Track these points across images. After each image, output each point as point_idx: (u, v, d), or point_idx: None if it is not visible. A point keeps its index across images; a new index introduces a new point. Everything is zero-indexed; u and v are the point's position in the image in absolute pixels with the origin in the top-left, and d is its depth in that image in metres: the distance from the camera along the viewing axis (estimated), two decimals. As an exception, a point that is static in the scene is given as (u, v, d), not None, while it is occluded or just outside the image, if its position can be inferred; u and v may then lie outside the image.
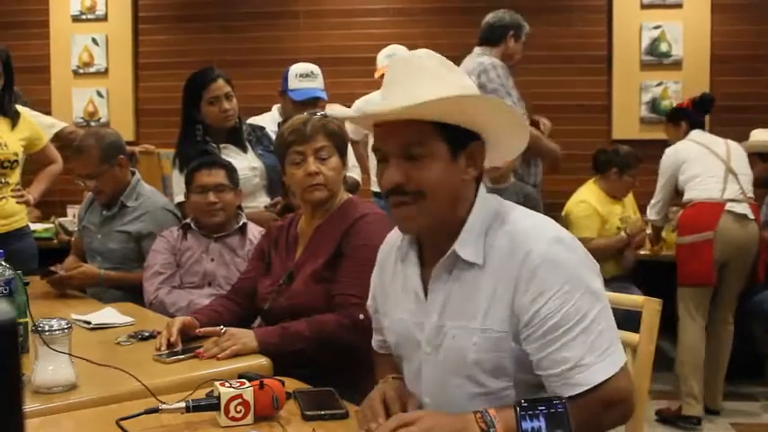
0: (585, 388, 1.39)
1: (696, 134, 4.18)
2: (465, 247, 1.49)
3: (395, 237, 1.69)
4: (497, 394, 1.47)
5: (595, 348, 1.40)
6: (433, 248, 1.55)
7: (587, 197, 4.37)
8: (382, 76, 4.17)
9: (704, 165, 4.04)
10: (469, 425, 1.36)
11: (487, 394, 1.48)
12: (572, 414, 1.37)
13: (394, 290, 1.65)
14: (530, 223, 1.50)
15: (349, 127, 4.01)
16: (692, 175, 4.05)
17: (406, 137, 1.46)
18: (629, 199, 4.54)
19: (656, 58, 5.38)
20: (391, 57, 4.21)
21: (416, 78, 1.48)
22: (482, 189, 1.55)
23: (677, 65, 5.37)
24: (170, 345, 2.06)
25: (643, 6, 5.39)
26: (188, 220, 2.97)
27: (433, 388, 1.55)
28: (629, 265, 4.35)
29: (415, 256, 1.60)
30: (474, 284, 1.48)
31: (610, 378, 1.41)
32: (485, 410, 1.37)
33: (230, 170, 2.94)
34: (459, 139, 1.48)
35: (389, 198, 1.50)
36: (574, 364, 1.39)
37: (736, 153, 4.10)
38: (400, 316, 1.62)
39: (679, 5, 5.35)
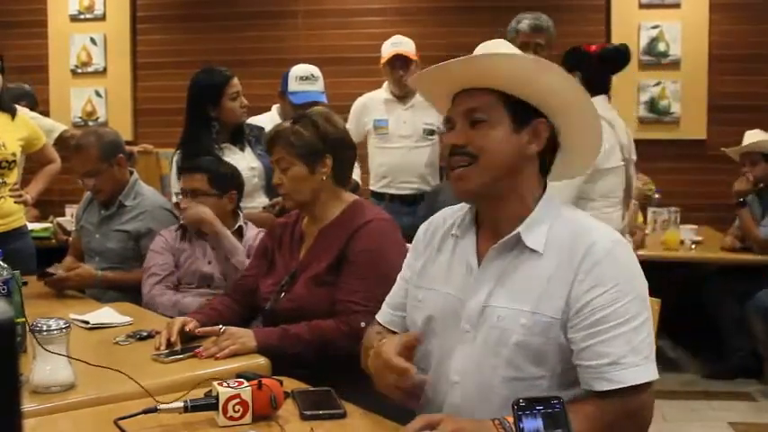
0: (620, 386, 1.42)
1: (603, 105, 3.02)
2: (530, 232, 1.54)
3: (449, 212, 1.74)
4: (531, 382, 1.49)
5: (637, 352, 1.43)
6: (491, 231, 1.59)
7: None
8: (386, 62, 4.20)
9: (618, 173, 3.01)
10: (489, 431, 1.37)
11: (521, 380, 1.49)
12: (595, 415, 1.40)
13: (439, 264, 1.67)
14: (593, 221, 1.59)
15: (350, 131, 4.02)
16: (606, 192, 2.96)
17: (472, 103, 1.57)
18: None
19: (655, 58, 5.38)
20: (397, 44, 4.21)
21: (498, 49, 1.61)
22: (551, 185, 1.62)
23: (675, 64, 5.37)
24: (169, 344, 2.06)
25: (641, 6, 5.39)
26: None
27: (466, 368, 1.56)
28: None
29: (474, 234, 1.63)
30: (530, 270, 1.52)
31: (642, 385, 1.43)
32: (502, 417, 1.38)
33: (216, 175, 2.88)
34: (524, 114, 1.56)
35: (448, 160, 1.60)
36: (613, 360, 1.42)
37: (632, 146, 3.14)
38: (443, 290, 1.63)
39: (677, 5, 5.35)
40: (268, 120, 3.77)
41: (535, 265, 1.51)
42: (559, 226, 1.54)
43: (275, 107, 3.91)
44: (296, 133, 2.25)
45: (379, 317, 1.81)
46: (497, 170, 1.54)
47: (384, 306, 1.81)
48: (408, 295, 1.72)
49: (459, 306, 1.58)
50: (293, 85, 3.68)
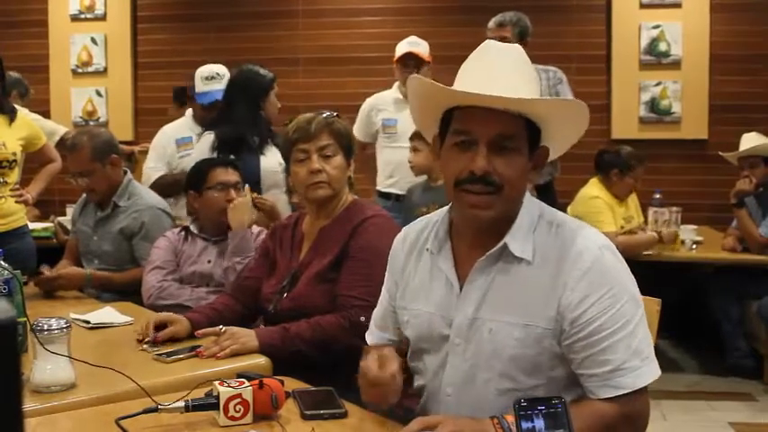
0: (627, 391, 1.42)
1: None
2: (515, 241, 1.50)
3: (422, 225, 1.69)
4: (526, 392, 1.47)
5: (638, 353, 1.43)
6: (471, 244, 1.55)
7: (598, 193, 4.33)
8: (398, 61, 4.20)
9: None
10: (488, 430, 1.37)
11: (517, 390, 1.47)
12: (595, 417, 1.40)
13: (416, 283, 1.64)
14: (579, 227, 1.53)
15: (358, 131, 4.03)
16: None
17: (502, 127, 1.47)
18: (632, 199, 4.53)
19: (655, 58, 5.38)
20: (412, 44, 4.19)
21: (519, 70, 1.51)
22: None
23: (676, 64, 5.37)
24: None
25: (642, 6, 5.39)
26: (188, 224, 2.95)
27: (458, 380, 1.54)
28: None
29: (449, 249, 1.59)
30: (519, 280, 1.49)
31: (645, 387, 1.44)
32: (501, 416, 1.37)
33: (239, 169, 2.98)
34: (536, 141, 1.53)
35: (465, 184, 1.48)
36: (616, 367, 1.42)
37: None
38: (424, 308, 1.60)
39: (678, 5, 5.36)
40: (183, 125, 3.88)
41: (524, 274, 1.49)
42: (543, 231, 1.51)
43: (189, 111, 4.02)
44: (342, 125, 2.28)
45: (368, 336, 1.80)
46: (515, 200, 1.51)
47: (372, 324, 1.80)
48: (398, 316, 1.70)
49: (444, 323, 1.56)
50: (200, 87, 3.77)
